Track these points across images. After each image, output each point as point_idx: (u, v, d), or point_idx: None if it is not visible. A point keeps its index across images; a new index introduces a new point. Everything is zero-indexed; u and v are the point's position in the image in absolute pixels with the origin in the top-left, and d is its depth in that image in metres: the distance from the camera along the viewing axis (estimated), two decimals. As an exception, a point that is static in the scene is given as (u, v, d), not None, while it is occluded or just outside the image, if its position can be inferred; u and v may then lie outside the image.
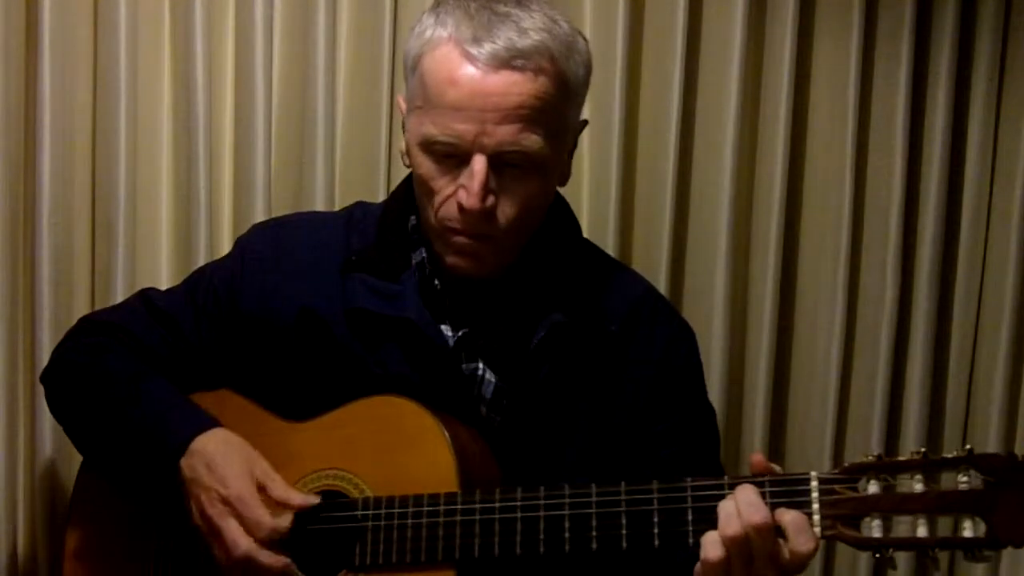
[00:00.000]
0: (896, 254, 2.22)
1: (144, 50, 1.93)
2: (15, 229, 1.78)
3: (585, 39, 1.49)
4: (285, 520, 1.39)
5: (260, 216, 1.92)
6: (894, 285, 2.22)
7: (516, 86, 1.38)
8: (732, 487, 1.30)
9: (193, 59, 1.90)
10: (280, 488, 1.41)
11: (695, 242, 2.17)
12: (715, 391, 2.13)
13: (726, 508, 1.28)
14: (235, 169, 1.98)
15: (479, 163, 1.39)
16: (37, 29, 1.81)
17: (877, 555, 1.25)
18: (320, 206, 1.96)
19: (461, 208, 1.41)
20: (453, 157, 1.41)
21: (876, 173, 2.23)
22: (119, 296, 1.87)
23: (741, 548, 1.26)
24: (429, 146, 1.42)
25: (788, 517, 1.26)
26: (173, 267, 1.97)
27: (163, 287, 1.74)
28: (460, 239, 1.45)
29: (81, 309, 1.88)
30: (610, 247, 2.07)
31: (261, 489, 1.41)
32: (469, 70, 1.38)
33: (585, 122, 1.54)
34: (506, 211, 1.43)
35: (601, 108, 2.08)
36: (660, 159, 2.11)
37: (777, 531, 1.26)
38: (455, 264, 1.47)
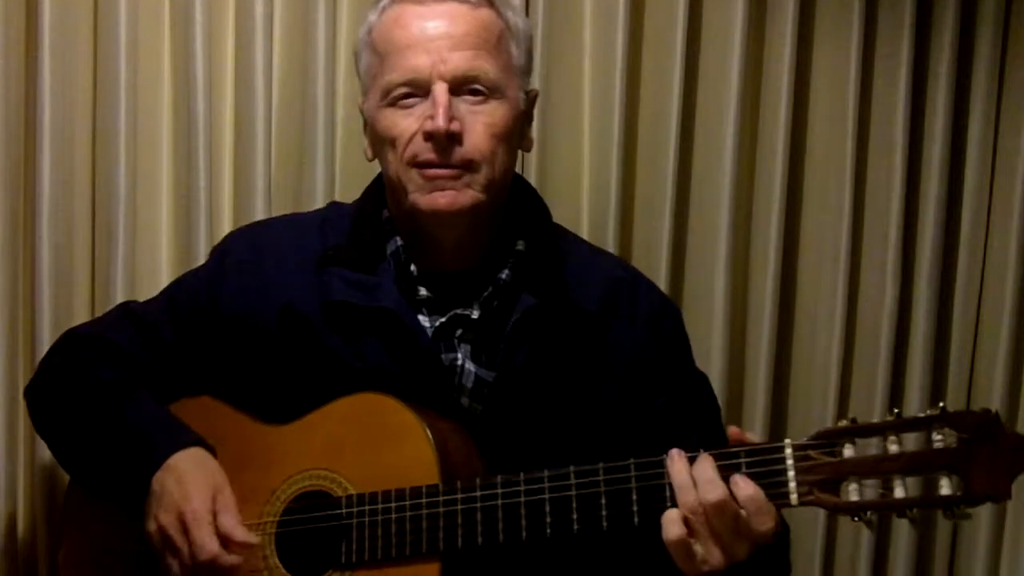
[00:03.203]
0: (896, 254, 2.21)
1: (144, 50, 1.93)
2: (15, 229, 1.78)
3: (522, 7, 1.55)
4: (230, 556, 1.38)
5: (260, 216, 1.92)
6: (894, 285, 2.22)
7: (461, 16, 1.46)
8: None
9: (193, 59, 1.90)
10: (227, 521, 1.40)
11: (695, 242, 2.17)
12: (715, 390, 2.12)
13: (681, 481, 1.29)
14: (235, 169, 1.98)
15: (440, 88, 1.43)
16: (37, 29, 1.81)
17: (856, 518, 1.26)
18: (320, 206, 1.96)
19: (428, 136, 1.43)
20: (414, 98, 1.45)
21: (876, 173, 2.23)
22: (119, 296, 1.87)
23: (700, 523, 1.28)
24: (390, 94, 1.46)
25: (745, 494, 1.27)
26: (173, 267, 1.97)
27: (163, 287, 1.73)
28: (431, 171, 1.45)
29: (81, 309, 1.88)
30: (610, 247, 2.07)
31: (215, 517, 1.40)
32: (415, 8, 1.47)
33: (535, 92, 1.57)
34: (472, 140, 1.45)
35: (601, 108, 2.08)
36: (660, 159, 2.11)
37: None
38: (432, 204, 1.46)
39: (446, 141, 1.43)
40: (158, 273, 1.96)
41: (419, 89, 1.44)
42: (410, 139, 1.45)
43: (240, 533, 1.40)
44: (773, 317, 2.19)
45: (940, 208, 2.23)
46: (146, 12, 1.92)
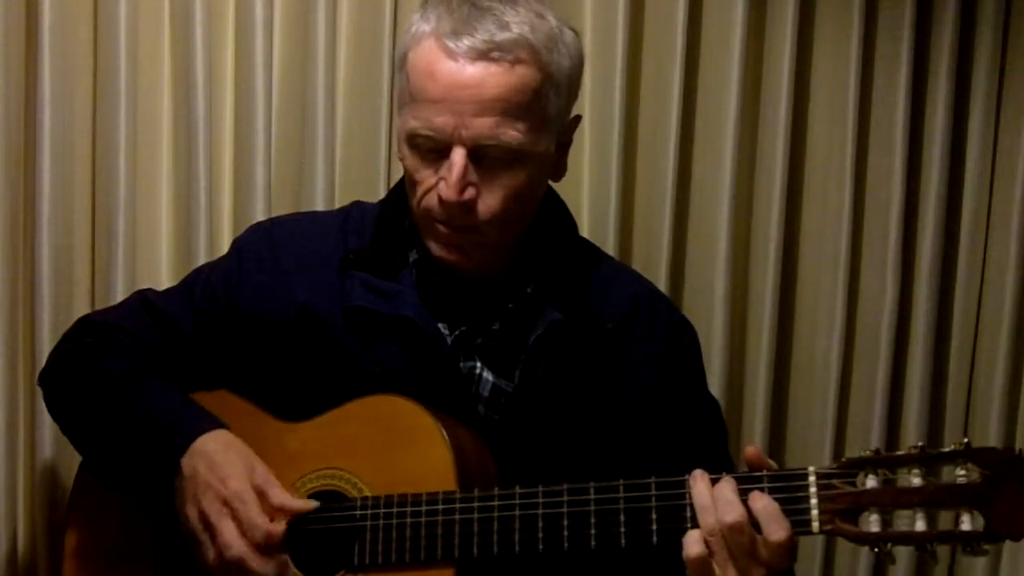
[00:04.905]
0: (896, 254, 2.22)
1: (144, 50, 1.92)
2: (15, 229, 1.78)
3: (575, 32, 1.49)
4: (280, 526, 1.39)
5: (260, 216, 1.92)
6: (894, 285, 2.22)
7: (493, 78, 1.39)
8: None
9: (193, 59, 1.90)
10: (279, 494, 1.40)
11: (695, 242, 2.17)
12: (715, 391, 2.12)
13: (703, 503, 1.29)
14: (235, 169, 1.98)
15: (457, 155, 1.40)
16: (37, 29, 1.81)
17: (875, 549, 1.26)
18: (320, 206, 1.96)
19: (440, 200, 1.42)
20: (435, 151, 1.42)
21: (876, 173, 2.23)
22: (119, 296, 1.87)
23: (719, 545, 1.28)
24: (412, 140, 1.43)
25: (760, 505, 1.27)
26: (173, 267, 1.96)
27: (163, 287, 1.74)
28: (443, 229, 1.45)
29: (81, 309, 1.87)
30: (610, 247, 2.07)
31: (260, 494, 1.40)
32: (447, 63, 1.39)
33: (578, 117, 1.54)
34: (488, 203, 1.43)
35: (601, 108, 2.08)
36: (660, 159, 2.11)
37: (755, 525, 1.27)
38: (441, 256, 1.47)
39: (458, 208, 1.42)
40: (158, 273, 1.96)
41: (439, 145, 1.41)
42: (426, 192, 1.44)
43: (298, 503, 1.40)
44: (773, 317, 2.19)
45: (940, 208, 2.23)
46: (146, 12, 1.92)
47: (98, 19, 1.89)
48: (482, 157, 1.41)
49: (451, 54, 1.39)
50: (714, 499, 1.29)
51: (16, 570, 1.81)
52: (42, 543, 1.83)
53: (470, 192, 1.42)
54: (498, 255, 1.50)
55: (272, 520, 1.39)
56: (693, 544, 1.29)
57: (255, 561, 1.38)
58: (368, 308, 1.48)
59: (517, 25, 1.40)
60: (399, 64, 1.47)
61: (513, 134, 1.40)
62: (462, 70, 1.39)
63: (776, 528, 1.27)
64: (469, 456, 1.41)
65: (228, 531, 1.38)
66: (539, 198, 1.52)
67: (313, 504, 1.42)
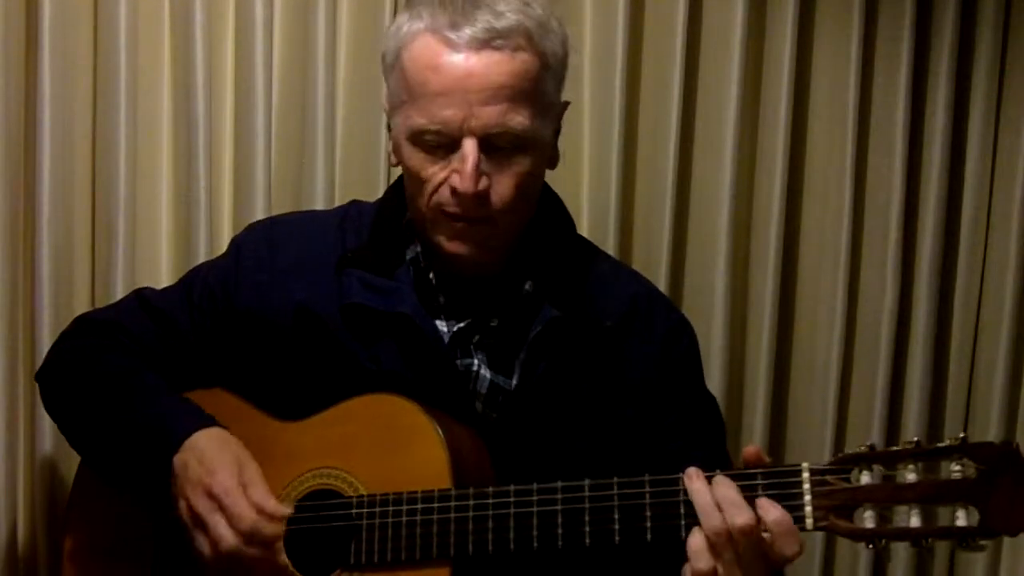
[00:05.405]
0: (896, 254, 2.22)
1: (144, 50, 1.93)
2: (15, 229, 1.78)
3: (559, 21, 1.50)
4: (267, 522, 1.38)
5: (260, 216, 1.92)
6: (894, 285, 2.22)
7: (497, 65, 1.40)
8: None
9: (193, 59, 1.91)
10: (258, 493, 1.39)
11: (695, 242, 2.18)
12: (715, 391, 2.11)
13: (703, 502, 1.29)
14: (235, 169, 1.98)
15: (470, 146, 1.40)
16: (37, 29, 1.81)
17: (871, 546, 1.25)
18: (320, 206, 1.96)
19: (455, 192, 1.42)
20: (443, 146, 1.42)
21: (876, 173, 2.23)
22: (119, 295, 1.87)
23: (725, 547, 1.27)
24: (418, 137, 1.43)
25: (772, 517, 1.27)
26: (173, 267, 1.97)
27: (163, 287, 1.74)
28: (457, 223, 1.45)
29: (81, 309, 1.87)
30: (610, 247, 2.07)
31: (244, 490, 1.39)
32: (450, 55, 1.40)
33: (567, 103, 1.54)
34: (500, 192, 1.43)
35: (601, 108, 2.08)
36: (660, 159, 2.12)
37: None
38: (456, 251, 1.47)
39: (473, 200, 1.42)
40: (158, 273, 1.96)
41: (447, 139, 1.41)
42: (436, 187, 1.44)
43: (272, 504, 1.39)
44: (773, 317, 2.19)
45: (940, 208, 2.23)
46: (146, 12, 1.92)
47: (98, 19, 1.89)
48: (491, 146, 1.42)
49: (453, 45, 1.39)
50: (718, 500, 1.29)
51: (16, 568, 1.81)
52: (42, 541, 1.83)
53: (484, 182, 1.42)
54: (500, 249, 1.50)
55: (261, 515, 1.38)
56: (701, 554, 1.28)
57: (248, 552, 1.37)
58: (365, 305, 1.48)
59: (512, 13, 1.41)
60: (389, 66, 1.47)
61: (520, 120, 1.41)
62: (466, 60, 1.39)
63: (790, 543, 1.27)
64: (466, 455, 1.41)
65: (218, 524, 1.38)
66: (540, 187, 1.53)
67: (287, 511, 1.40)
